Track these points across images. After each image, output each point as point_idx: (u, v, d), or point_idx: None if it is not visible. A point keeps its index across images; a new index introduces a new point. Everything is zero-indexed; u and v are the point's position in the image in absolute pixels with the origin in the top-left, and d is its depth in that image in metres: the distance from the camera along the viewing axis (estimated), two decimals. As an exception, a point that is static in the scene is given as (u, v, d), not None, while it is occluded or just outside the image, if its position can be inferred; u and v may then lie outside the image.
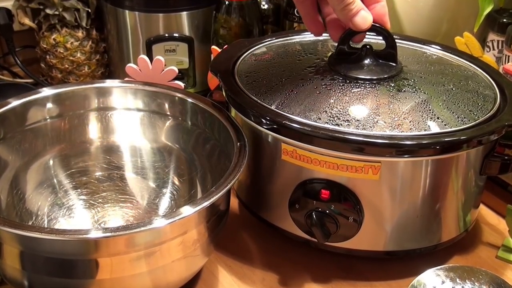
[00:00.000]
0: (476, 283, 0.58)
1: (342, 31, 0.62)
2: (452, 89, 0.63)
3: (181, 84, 0.78)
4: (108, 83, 0.71)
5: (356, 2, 0.57)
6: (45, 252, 0.49)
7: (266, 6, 0.94)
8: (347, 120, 0.57)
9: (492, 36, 0.80)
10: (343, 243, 0.61)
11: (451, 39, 0.76)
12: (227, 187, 0.53)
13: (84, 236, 0.47)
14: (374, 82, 0.61)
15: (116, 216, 0.67)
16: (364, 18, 0.58)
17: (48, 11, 0.90)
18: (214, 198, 0.51)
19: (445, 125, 0.57)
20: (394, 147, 0.55)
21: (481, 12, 0.75)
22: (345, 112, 0.58)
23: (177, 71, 0.77)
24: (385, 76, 0.62)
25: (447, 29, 0.83)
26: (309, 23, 0.64)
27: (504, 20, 0.79)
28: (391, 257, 0.64)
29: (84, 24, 0.92)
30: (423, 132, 0.56)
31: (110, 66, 0.99)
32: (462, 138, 0.55)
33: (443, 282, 0.58)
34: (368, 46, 0.64)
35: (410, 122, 0.57)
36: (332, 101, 0.59)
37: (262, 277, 0.63)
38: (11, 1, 0.95)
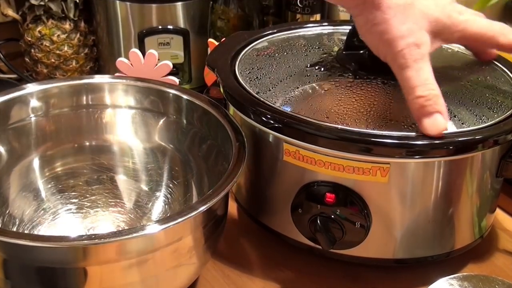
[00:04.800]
0: (492, 293, 0.58)
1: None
2: (469, 85, 0.63)
3: (175, 79, 0.78)
4: (98, 78, 0.71)
5: (433, 98, 0.52)
6: (30, 260, 0.49)
7: (266, -4, 0.95)
8: (357, 119, 0.57)
9: (509, 28, 0.80)
10: (350, 250, 0.61)
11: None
12: (225, 191, 0.53)
13: (72, 243, 0.47)
14: (386, 78, 0.61)
15: (106, 221, 0.67)
16: (435, 124, 0.53)
17: (33, 1, 0.90)
18: (211, 202, 0.51)
19: (462, 123, 0.57)
20: (404, 147, 0.55)
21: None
22: (355, 110, 0.58)
23: (171, 65, 0.77)
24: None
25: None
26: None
27: (522, 11, 0.79)
28: (401, 265, 0.64)
29: (71, 15, 0.92)
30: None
31: (100, 60, 0.99)
32: (476, 137, 0.56)
33: (456, 292, 0.58)
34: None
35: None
36: (340, 98, 0.59)
37: (263, 287, 0.64)
38: (-7, -9, 0.95)
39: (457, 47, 0.72)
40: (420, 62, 0.53)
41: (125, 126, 0.71)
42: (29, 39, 0.93)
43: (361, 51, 0.64)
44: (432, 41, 0.55)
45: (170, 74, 0.78)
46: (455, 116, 0.58)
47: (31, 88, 0.67)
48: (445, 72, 0.64)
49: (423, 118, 0.53)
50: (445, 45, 0.72)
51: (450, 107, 0.59)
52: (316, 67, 0.64)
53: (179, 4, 0.89)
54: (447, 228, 0.61)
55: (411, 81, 0.53)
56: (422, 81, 0.53)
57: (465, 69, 0.66)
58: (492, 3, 0.74)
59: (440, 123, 0.53)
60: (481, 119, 0.58)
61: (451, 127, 0.57)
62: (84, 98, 0.70)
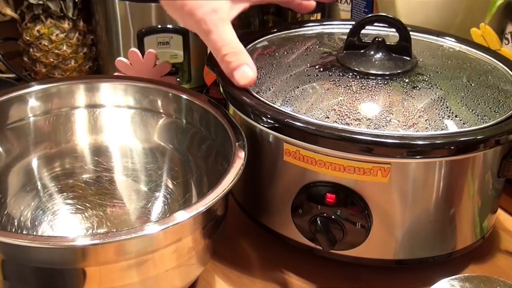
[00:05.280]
0: (493, 294, 0.58)
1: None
2: (470, 84, 0.63)
3: (175, 79, 0.78)
4: (97, 78, 0.71)
5: (237, 54, 0.59)
6: (29, 261, 0.49)
7: (267, -5, 0.95)
8: (358, 119, 0.57)
9: (510, 28, 0.80)
10: (350, 251, 0.61)
11: (466, 31, 0.76)
12: (225, 191, 0.53)
13: (70, 243, 0.47)
14: (387, 77, 0.62)
15: (105, 221, 0.67)
16: (243, 75, 0.59)
17: (31, 0, 0.90)
18: (211, 202, 0.51)
19: (463, 123, 0.57)
20: (404, 147, 0.55)
21: (494, 1, 0.75)
22: (356, 110, 0.58)
23: (170, 65, 0.77)
24: (399, 71, 0.62)
25: (462, 20, 0.83)
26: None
27: (524, 10, 0.79)
28: (402, 266, 0.64)
29: (70, 14, 0.92)
30: (435, 132, 0.56)
31: (99, 60, 0.99)
32: (478, 137, 0.56)
33: (458, 293, 0.58)
34: (380, 39, 0.64)
35: (425, 120, 0.57)
36: (341, 98, 0.59)
37: (263, 288, 0.64)
38: (-9, -10, 0.95)
39: (458, 46, 0.72)
40: (221, 25, 0.59)
41: (124, 126, 0.71)
42: (28, 38, 0.93)
43: (362, 51, 0.65)
44: (233, 5, 0.62)
45: (169, 73, 0.78)
46: (456, 116, 0.58)
47: (30, 87, 0.67)
48: (446, 71, 0.65)
49: (232, 72, 0.60)
50: (446, 45, 0.72)
51: (451, 107, 0.59)
52: (317, 67, 0.64)
53: (178, 3, 0.89)
54: (448, 229, 0.62)
55: (216, 43, 0.59)
56: (225, 42, 0.59)
57: (466, 69, 0.66)
58: (499, 3, 0.75)
59: (248, 73, 0.60)
60: (482, 119, 0.58)
61: (452, 127, 0.57)
62: (83, 98, 0.70)
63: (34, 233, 0.64)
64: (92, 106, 0.70)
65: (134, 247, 0.50)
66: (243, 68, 0.59)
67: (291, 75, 0.64)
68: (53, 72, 0.94)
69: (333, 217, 0.59)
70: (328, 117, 0.57)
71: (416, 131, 0.56)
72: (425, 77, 0.62)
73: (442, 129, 0.56)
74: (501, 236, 0.71)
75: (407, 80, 0.61)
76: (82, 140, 0.71)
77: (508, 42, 0.81)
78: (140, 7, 0.89)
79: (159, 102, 0.70)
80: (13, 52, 1.00)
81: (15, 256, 0.50)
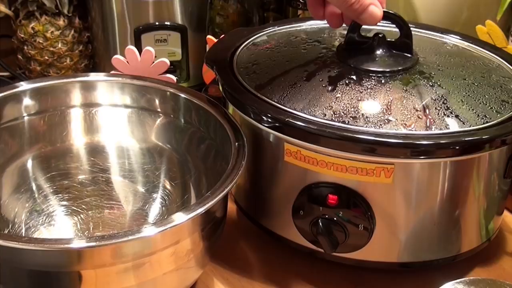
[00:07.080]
0: (499, 298, 0.58)
1: (341, 20, 0.64)
2: (473, 83, 0.63)
3: (173, 77, 0.78)
4: (93, 76, 0.71)
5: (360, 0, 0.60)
6: (23, 263, 0.49)
7: (267, -8, 0.95)
8: (355, 117, 0.57)
9: (517, 25, 0.80)
10: (353, 254, 0.61)
11: (471, 28, 0.76)
12: (224, 192, 0.53)
13: (66, 246, 0.47)
14: (387, 75, 0.61)
15: (101, 223, 0.67)
16: (371, 14, 0.60)
17: (26, -3, 0.90)
18: (210, 204, 0.51)
19: (463, 123, 0.57)
20: (409, 147, 0.55)
21: None
22: (354, 108, 0.58)
23: (168, 63, 0.77)
24: (400, 68, 0.62)
25: (468, 17, 0.83)
26: (315, 11, 0.66)
27: (531, 7, 0.79)
28: (406, 269, 0.64)
29: (65, 11, 0.92)
30: (440, 131, 0.56)
31: (95, 57, 0.99)
32: (484, 137, 0.56)
33: (463, 297, 0.58)
34: (380, 35, 0.64)
35: (426, 119, 0.57)
36: (339, 95, 0.59)
37: (263, 291, 0.64)
38: (-15, -14, 0.95)
39: (462, 44, 0.72)
40: None
41: (121, 126, 0.71)
42: (22, 35, 0.92)
43: (362, 46, 0.64)
44: None
45: (167, 72, 0.78)
46: (457, 116, 0.58)
47: (24, 86, 0.67)
48: (448, 69, 0.64)
49: (361, 16, 0.60)
50: (450, 42, 0.72)
51: (453, 106, 0.59)
52: (316, 63, 0.64)
53: (176, -1, 0.90)
54: (453, 231, 0.61)
55: None
56: None
57: (469, 67, 0.66)
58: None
59: (375, 12, 0.60)
60: (484, 118, 0.58)
61: (453, 127, 0.57)
62: (79, 96, 0.70)
63: (29, 235, 0.64)
64: (88, 105, 0.70)
65: (131, 250, 0.50)
66: (369, 9, 0.60)
67: (291, 74, 0.64)
68: (48, 70, 0.94)
69: (335, 218, 0.59)
70: (325, 115, 0.57)
71: (416, 130, 0.56)
72: (426, 74, 0.62)
73: (442, 129, 0.56)
74: (507, 239, 0.71)
75: (407, 78, 0.61)
76: (77, 140, 0.71)
77: (515, 40, 0.81)
78: (137, 3, 0.89)
79: (157, 101, 0.69)
80: (7, 50, 1.00)
81: (9, 259, 0.50)
